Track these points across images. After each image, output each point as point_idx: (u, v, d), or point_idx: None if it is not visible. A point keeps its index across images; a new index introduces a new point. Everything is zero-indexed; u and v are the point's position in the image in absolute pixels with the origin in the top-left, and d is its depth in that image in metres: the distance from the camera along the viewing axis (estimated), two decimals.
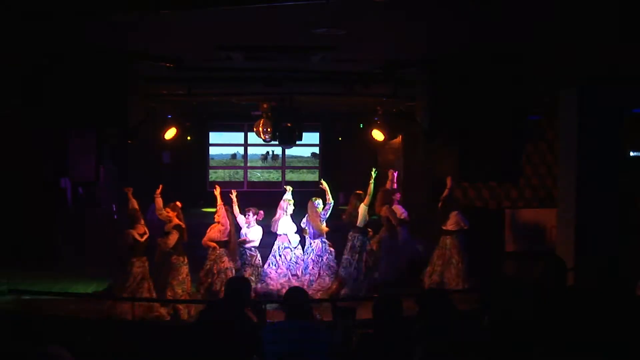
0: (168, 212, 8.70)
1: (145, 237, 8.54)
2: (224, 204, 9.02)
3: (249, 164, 18.40)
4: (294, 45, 6.54)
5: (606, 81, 7.91)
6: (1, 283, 9.24)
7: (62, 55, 6.59)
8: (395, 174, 10.86)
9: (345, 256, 9.45)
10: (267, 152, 18.95)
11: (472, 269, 9.61)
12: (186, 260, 8.73)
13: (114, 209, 13.09)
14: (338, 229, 9.98)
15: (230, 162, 18.95)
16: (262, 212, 9.50)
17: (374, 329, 4.35)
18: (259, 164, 18.96)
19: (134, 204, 8.66)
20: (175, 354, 5.90)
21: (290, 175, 18.50)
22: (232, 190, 9.37)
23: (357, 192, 9.73)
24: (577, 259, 7.96)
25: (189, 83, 8.92)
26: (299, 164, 18.96)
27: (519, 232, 12.78)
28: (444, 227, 9.79)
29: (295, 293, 4.86)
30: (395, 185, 10.89)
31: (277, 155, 18.71)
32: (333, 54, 6.79)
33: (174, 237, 8.58)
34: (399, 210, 10.58)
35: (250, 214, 9.32)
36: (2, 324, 6.58)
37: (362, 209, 9.37)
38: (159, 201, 8.72)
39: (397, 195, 10.68)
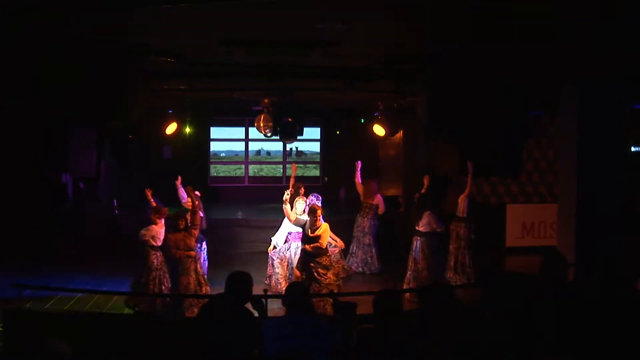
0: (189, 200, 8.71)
1: None
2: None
3: (272, 160, 18.43)
4: (295, 40, 6.53)
5: (607, 77, 7.89)
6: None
7: (63, 50, 6.57)
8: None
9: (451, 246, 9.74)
10: (291, 149, 18.85)
11: (441, 274, 9.32)
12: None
13: (115, 204, 13.11)
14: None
15: (254, 159, 19.06)
16: (165, 209, 8.45)
17: (374, 324, 4.35)
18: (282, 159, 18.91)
19: (154, 204, 8.53)
20: (177, 349, 5.92)
21: (314, 172, 18.40)
22: (147, 190, 8.62)
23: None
24: (577, 254, 7.96)
25: (190, 78, 8.92)
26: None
27: (520, 228, 12.80)
28: (416, 228, 9.33)
29: (296, 288, 4.86)
30: (292, 181, 10.87)
31: (302, 151, 18.65)
32: (334, 49, 6.78)
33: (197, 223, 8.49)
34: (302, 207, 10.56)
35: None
36: (3, 320, 6.59)
37: (462, 199, 9.66)
38: (182, 190, 8.99)
39: (302, 190, 10.63)
